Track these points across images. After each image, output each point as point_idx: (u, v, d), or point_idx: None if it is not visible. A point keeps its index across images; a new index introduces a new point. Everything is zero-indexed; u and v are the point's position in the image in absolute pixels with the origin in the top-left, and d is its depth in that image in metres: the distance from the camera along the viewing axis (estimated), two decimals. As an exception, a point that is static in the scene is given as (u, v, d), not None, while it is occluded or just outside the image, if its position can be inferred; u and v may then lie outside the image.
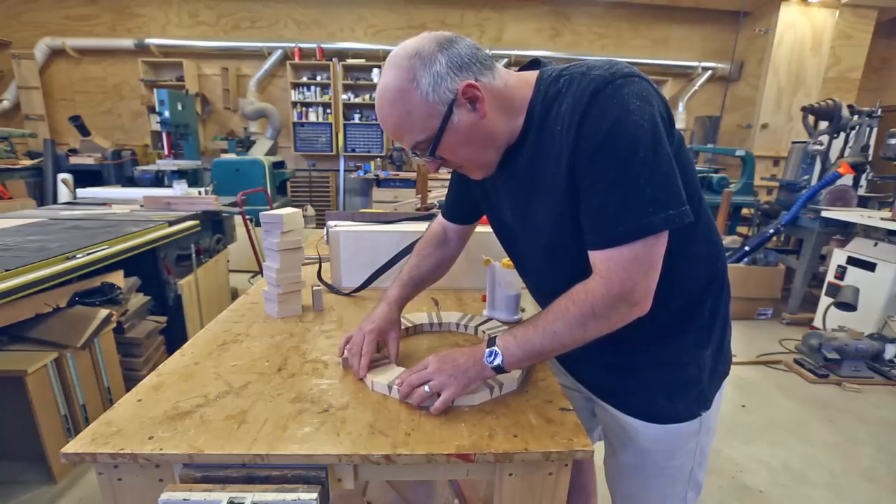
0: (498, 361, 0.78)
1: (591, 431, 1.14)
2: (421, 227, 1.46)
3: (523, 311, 1.25)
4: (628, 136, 0.66)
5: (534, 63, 0.84)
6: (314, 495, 0.65)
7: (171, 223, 2.44)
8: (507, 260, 1.16)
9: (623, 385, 0.91)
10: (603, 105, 0.68)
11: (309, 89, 6.21)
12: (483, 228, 1.52)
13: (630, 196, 0.68)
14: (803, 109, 4.12)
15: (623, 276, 0.70)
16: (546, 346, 0.76)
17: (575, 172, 0.72)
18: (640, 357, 0.88)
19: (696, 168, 4.39)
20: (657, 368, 0.87)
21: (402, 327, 1.07)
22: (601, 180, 0.69)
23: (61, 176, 4.24)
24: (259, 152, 5.78)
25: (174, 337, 2.49)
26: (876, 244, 3.22)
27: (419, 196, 3.04)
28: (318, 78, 6.18)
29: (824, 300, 3.44)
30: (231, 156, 5.54)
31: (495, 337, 0.80)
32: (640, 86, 0.69)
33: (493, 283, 1.24)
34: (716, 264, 0.86)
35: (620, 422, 0.93)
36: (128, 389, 0.91)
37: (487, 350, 0.79)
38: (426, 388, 0.78)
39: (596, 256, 0.73)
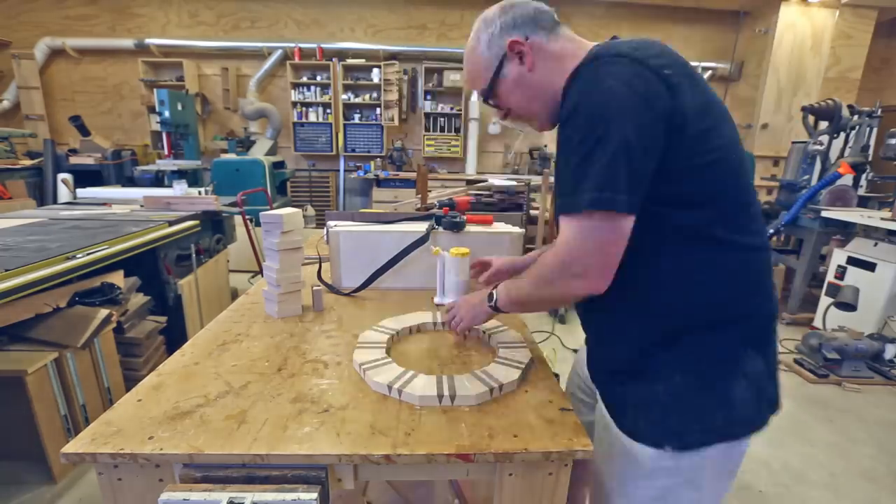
0: (493, 301, 0.94)
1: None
2: (421, 227, 1.46)
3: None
4: (586, 114, 0.71)
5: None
6: (314, 495, 0.65)
7: (171, 223, 2.44)
8: (455, 249, 1.29)
9: (610, 381, 0.89)
10: (580, 82, 0.74)
11: (309, 89, 6.21)
12: (479, 228, 1.52)
13: (579, 170, 0.71)
14: (803, 109, 4.11)
15: (568, 246, 0.74)
16: (520, 296, 0.89)
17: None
18: (622, 364, 0.85)
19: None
20: (629, 379, 0.84)
21: (405, 326, 1.13)
22: (563, 150, 0.76)
23: (61, 176, 4.24)
24: (259, 152, 5.77)
25: (174, 337, 2.49)
26: (876, 244, 3.22)
27: (419, 196, 3.05)
28: (318, 78, 6.18)
29: (824, 300, 3.44)
30: (231, 156, 5.53)
31: (500, 284, 0.95)
32: (623, 67, 0.70)
33: (442, 270, 1.34)
34: (703, 294, 0.77)
35: (603, 415, 0.89)
36: (128, 389, 0.91)
37: (490, 293, 0.96)
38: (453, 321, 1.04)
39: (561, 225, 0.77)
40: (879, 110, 3.77)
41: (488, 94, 0.90)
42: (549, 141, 6.47)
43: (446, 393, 0.81)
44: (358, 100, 6.24)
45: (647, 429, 0.81)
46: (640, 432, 0.81)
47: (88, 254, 1.86)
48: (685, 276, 0.77)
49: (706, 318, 0.78)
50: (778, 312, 0.85)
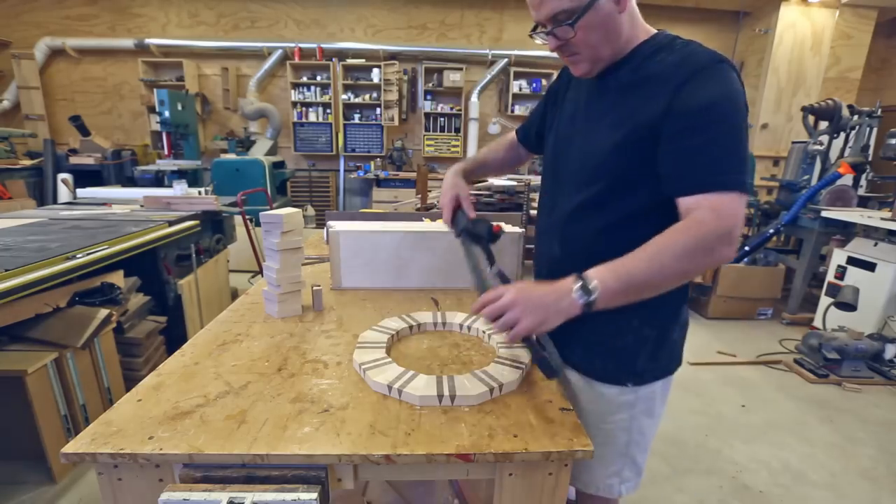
0: (592, 297, 0.75)
1: None
2: (420, 227, 1.46)
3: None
4: (731, 106, 0.79)
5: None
6: (314, 495, 0.65)
7: (171, 223, 2.44)
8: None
9: (576, 341, 1.00)
10: (713, 77, 0.79)
11: (309, 89, 6.21)
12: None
13: (732, 154, 0.79)
14: (803, 109, 4.11)
15: (732, 213, 0.77)
16: (651, 278, 0.77)
17: (668, 118, 0.81)
18: (593, 318, 0.85)
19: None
20: (601, 331, 0.96)
21: (406, 325, 1.13)
22: (701, 135, 0.79)
23: (61, 176, 4.25)
24: (259, 152, 5.77)
25: (174, 337, 2.49)
26: (876, 244, 3.22)
27: (419, 196, 3.05)
28: (318, 78, 6.18)
29: (824, 300, 3.44)
30: (231, 156, 5.53)
31: (585, 272, 0.78)
32: (735, 73, 0.82)
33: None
34: None
35: (572, 380, 1.03)
36: (128, 389, 0.91)
37: (577, 284, 0.76)
38: (501, 321, 0.77)
39: (701, 199, 0.79)
40: (879, 110, 3.77)
41: (569, 18, 0.81)
42: (549, 141, 6.47)
43: (446, 393, 0.81)
44: (358, 100, 6.24)
45: (614, 371, 0.98)
46: (609, 375, 0.98)
47: (88, 254, 1.86)
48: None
49: None
50: None
